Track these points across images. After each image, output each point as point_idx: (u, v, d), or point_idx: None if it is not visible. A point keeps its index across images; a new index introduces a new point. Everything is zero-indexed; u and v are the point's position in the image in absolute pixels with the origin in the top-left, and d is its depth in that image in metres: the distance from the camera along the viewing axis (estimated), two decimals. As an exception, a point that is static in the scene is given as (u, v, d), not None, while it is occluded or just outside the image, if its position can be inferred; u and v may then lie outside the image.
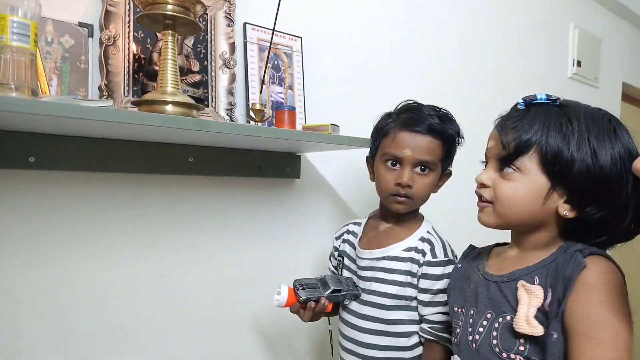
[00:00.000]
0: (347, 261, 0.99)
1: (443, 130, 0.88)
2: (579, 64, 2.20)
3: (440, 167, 0.91)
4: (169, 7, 0.78)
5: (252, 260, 1.15)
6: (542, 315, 0.63)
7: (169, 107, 0.80)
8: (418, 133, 0.87)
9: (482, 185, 0.72)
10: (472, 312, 0.73)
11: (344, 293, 0.88)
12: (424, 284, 0.87)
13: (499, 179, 0.70)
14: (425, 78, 1.53)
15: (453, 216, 1.38)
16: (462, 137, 0.93)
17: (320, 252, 1.27)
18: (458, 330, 0.75)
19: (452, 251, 0.91)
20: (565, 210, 0.65)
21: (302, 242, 1.25)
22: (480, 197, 0.73)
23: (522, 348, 0.64)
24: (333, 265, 1.05)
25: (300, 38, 1.20)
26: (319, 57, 1.25)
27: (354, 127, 1.14)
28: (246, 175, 1.11)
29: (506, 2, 1.83)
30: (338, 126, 1.02)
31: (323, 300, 0.86)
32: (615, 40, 2.48)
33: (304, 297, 0.84)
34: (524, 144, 0.66)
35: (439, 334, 0.86)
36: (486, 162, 0.74)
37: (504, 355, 0.65)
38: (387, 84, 1.41)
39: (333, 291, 0.87)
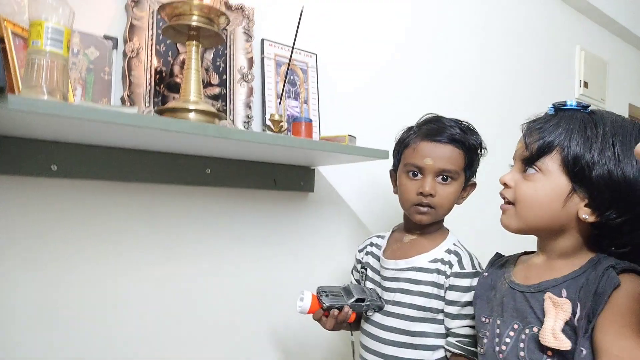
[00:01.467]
0: (370, 273, 0.97)
1: (464, 139, 0.88)
2: (585, 85, 2.22)
3: (463, 177, 0.90)
4: (194, 17, 0.79)
5: (266, 272, 1.13)
6: (571, 329, 0.61)
7: (192, 115, 0.80)
8: (439, 142, 0.87)
9: (505, 186, 0.72)
10: (498, 322, 0.71)
11: (367, 303, 0.87)
12: (452, 295, 0.85)
13: (521, 180, 0.70)
14: (436, 99, 1.54)
15: (478, 231, 1.36)
16: (485, 148, 0.93)
17: (332, 264, 1.26)
18: (485, 340, 0.73)
19: (479, 264, 0.89)
20: (586, 214, 0.65)
21: (315, 255, 1.24)
22: (503, 198, 0.73)
23: None
24: (355, 279, 1.04)
25: (316, 55, 1.22)
26: (333, 74, 1.26)
27: (368, 142, 1.14)
28: (262, 187, 1.11)
29: (514, 23, 1.87)
30: (355, 137, 1.02)
31: (346, 308, 0.84)
32: (621, 64, 2.52)
33: (327, 304, 0.83)
34: (547, 145, 0.66)
35: (467, 347, 0.83)
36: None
37: None
38: (400, 101, 1.42)
39: (357, 300, 0.86)
